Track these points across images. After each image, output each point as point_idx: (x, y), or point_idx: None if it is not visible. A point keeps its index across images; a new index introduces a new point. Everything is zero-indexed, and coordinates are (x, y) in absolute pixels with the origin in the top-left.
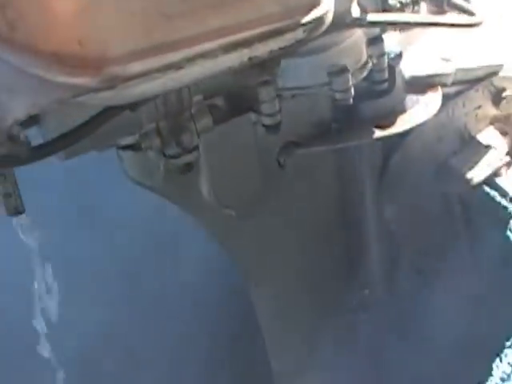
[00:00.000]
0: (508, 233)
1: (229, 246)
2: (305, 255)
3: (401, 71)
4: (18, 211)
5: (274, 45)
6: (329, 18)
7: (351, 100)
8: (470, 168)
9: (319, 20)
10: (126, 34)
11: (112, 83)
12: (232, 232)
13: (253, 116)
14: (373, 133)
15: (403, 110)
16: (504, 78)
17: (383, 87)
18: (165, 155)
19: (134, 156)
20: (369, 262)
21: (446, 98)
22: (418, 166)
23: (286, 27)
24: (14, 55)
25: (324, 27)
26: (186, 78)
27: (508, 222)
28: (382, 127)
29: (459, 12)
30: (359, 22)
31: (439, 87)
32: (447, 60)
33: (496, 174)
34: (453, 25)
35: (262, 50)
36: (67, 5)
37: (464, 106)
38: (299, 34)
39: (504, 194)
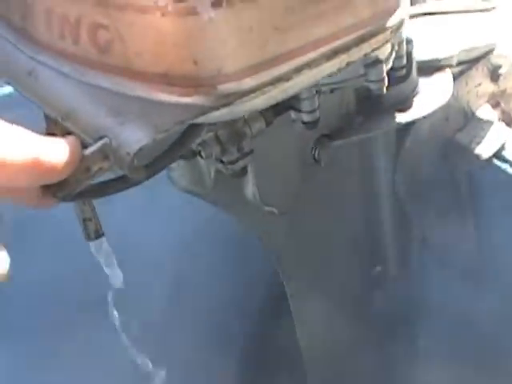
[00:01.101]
0: None
1: (269, 243)
2: (332, 241)
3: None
4: (98, 235)
5: (367, 48)
6: (407, 18)
7: (385, 89)
8: (478, 143)
9: (402, 21)
10: (241, 49)
11: (227, 100)
12: (272, 228)
13: (292, 114)
14: (398, 118)
15: (419, 94)
16: (499, 55)
17: (402, 73)
18: (222, 161)
19: (184, 165)
20: (383, 239)
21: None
22: (428, 146)
23: (378, 30)
24: (110, 80)
25: (402, 27)
26: (294, 89)
27: None
28: (403, 113)
29: None
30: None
31: (447, 69)
32: (450, 41)
33: (503, 147)
34: (468, 11)
35: (357, 54)
36: (183, 25)
37: (467, 84)
38: (387, 35)
39: None
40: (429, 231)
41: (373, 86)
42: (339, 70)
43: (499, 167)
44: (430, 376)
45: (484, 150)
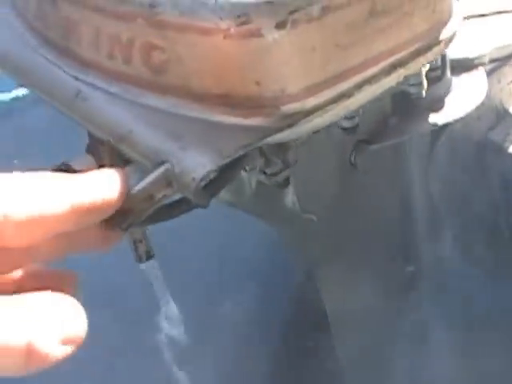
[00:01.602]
0: None
1: (305, 250)
2: (366, 245)
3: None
4: (149, 256)
5: (424, 61)
6: (459, 28)
7: (424, 93)
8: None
9: (455, 33)
10: (304, 69)
11: (291, 120)
12: (309, 234)
13: None
14: (433, 119)
15: (454, 94)
16: None
17: (437, 74)
18: (264, 173)
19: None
20: (416, 240)
21: None
22: (461, 146)
23: (433, 42)
24: (166, 101)
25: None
26: (354, 105)
27: None
28: (439, 114)
29: None
30: None
31: (480, 67)
32: (480, 40)
33: None
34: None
35: (414, 67)
36: (246, 47)
37: (499, 82)
38: (442, 47)
39: None
40: (461, 232)
41: (412, 90)
42: (397, 84)
43: None
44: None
45: None
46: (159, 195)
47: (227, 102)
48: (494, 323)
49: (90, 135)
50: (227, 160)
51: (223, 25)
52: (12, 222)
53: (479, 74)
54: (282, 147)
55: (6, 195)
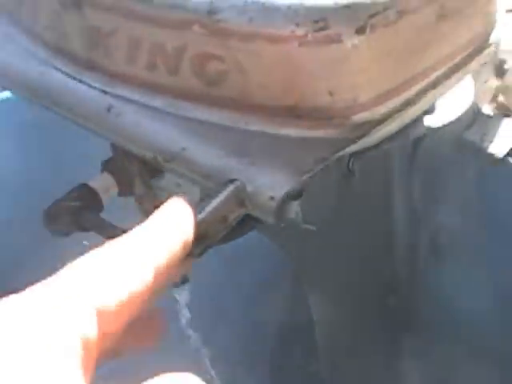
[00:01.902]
0: None
1: (301, 260)
2: (354, 249)
3: None
4: (185, 280)
5: (478, 62)
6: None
7: None
8: (490, 141)
9: (499, 40)
10: (378, 76)
11: (362, 130)
12: (308, 245)
13: None
14: (428, 122)
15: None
16: (503, 51)
17: None
18: None
19: None
20: (395, 240)
21: None
22: (441, 146)
23: (485, 45)
24: (222, 114)
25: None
26: (418, 111)
27: None
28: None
29: None
30: None
31: None
32: None
33: None
34: None
35: (469, 69)
36: (323, 54)
37: (475, 82)
38: (491, 49)
39: None
40: (439, 232)
41: None
42: (452, 87)
43: None
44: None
45: (497, 148)
46: (232, 216)
47: (294, 113)
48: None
49: (116, 151)
50: (307, 176)
51: (300, 31)
52: (106, 313)
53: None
54: None
55: (91, 289)
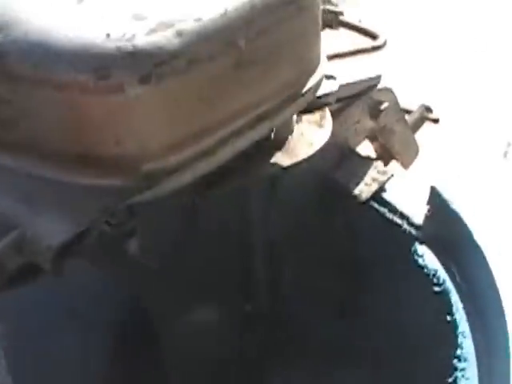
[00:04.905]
0: (415, 257)
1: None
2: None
3: None
4: None
5: (290, 111)
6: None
7: (272, 135)
8: (357, 183)
9: (321, 80)
10: (167, 125)
11: (152, 180)
12: (150, 281)
13: None
14: (284, 161)
15: (299, 133)
16: (380, 90)
17: None
18: (109, 224)
19: None
20: (254, 280)
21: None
22: (303, 185)
23: (299, 93)
24: (14, 159)
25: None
26: (218, 161)
27: (408, 243)
28: (288, 153)
29: (357, 32)
30: None
31: (326, 108)
32: (329, 77)
33: (382, 188)
34: (360, 51)
35: (279, 119)
36: (106, 103)
37: (345, 122)
38: (309, 96)
39: (394, 210)
40: (303, 274)
41: None
42: (261, 136)
43: (377, 210)
44: None
45: (362, 190)
46: (11, 264)
47: (83, 161)
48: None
49: None
50: (84, 227)
51: (81, 79)
52: None
53: (324, 113)
54: None
55: None
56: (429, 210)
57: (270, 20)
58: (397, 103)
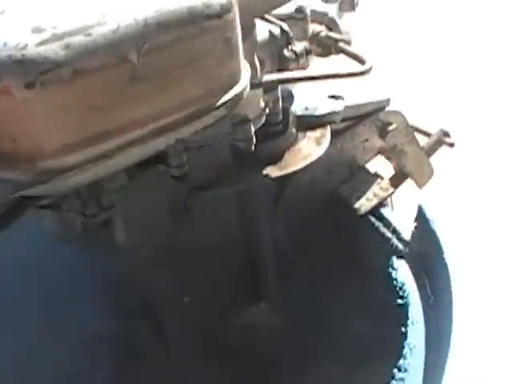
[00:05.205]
0: (390, 270)
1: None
2: (210, 281)
3: (292, 111)
4: None
5: (198, 125)
6: (247, 92)
7: (253, 147)
8: (359, 197)
9: (239, 97)
10: (59, 128)
11: (46, 177)
12: (146, 271)
13: (161, 167)
14: (273, 172)
15: (295, 148)
16: (389, 112)
17: (278, 129)
18: (84, 215)
19: (52, 214)
20: (265, 278)
21: (335, 134)
22: (309, 196)
23: (209, 107)
24: None
25: (243, 99)
26: (118, 166)
27: (390, 254)
28: (280, 166)
29: (349, 57)
30: (253, 83)
31: (329, 125)
32: (337, 97)
33: (382, 203)
34: (343, 75)
35: (187, 131)
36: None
37: (352, 140)
38: (222, 111)
39: (388, 224)
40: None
41: (241, 145)
42: (167, 146)
43: (373, 224)
44: None
45: (362, 204)
46: None
47: None
48: None
49: None
50: None
51: None
52: None
53: (324, 130)
54: (95, 191)
55: None
56: (415, 227)
57: (167, 38)
58: (407, 126)
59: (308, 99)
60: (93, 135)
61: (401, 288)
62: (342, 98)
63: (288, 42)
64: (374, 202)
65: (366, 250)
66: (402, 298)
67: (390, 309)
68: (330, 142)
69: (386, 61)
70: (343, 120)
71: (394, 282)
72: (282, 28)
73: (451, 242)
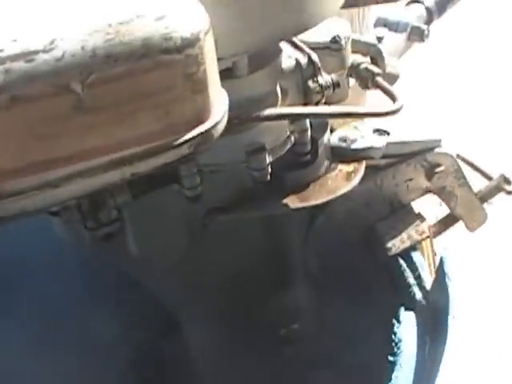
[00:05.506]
0: (394, 320)
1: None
2: (230, 295)
3: (325, 142)
4: None
5: (157, 162)
6: (219, 130)
7: (268, 177)
8: (393, 237)
9: (206, 135)
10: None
11: None
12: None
13: (176, 186)
14: (293, 202)
15: (323, 180)
16: (438, 154)
17: (305, 159)
18: (85, 226)
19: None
20: (297, 300)
21: (375, 169)
22: (344, 226)
23: (169, 144)
24: None
25: (214, 139)
26: (66, 195)
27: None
28: (302, 196)
29: (383, 93)
30: (270, 116)
31: (367, 159)
32: (381, 132)
33: (414, 247)
34: (370, 114)
35: (144, 167)
36: None
37: (394, 178)
38: (184, 150)
39: (414, 269)
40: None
41: (254, 174)
42: (123, 180)
43: (400, 266)
44: None
45: (394, 244)
46: None
47: None
48: None
49: None
50: None
51: None
52: None
53: (359, 165)
54: (93, 207)
55: None
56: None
57: (117, 71)
58: (458, 169)
59: (349, 130)
60: (35, 163)
61: (396, 344)
62: (387, 134)
63: (315, 72)
64: (407, 244)
65: (382, 291)
66: (393, 355)
67: (377, 361)
68: (369, 176)
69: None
70: (385, 156)
71: (393, 335)
72: (309, 57)
73: (461, 302)
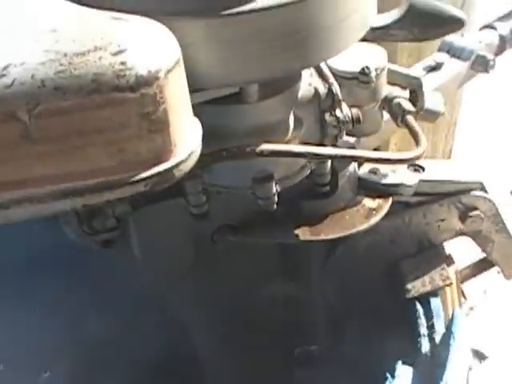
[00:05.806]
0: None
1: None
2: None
3: (350, 173)
4: None
5: (110, 196)
6: (183, 169)
7: (274, 206)
8: (416, 278)
9: (165, 175)
10: None
11: None
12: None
13: (182, 200)
14: (304, 235)
15: (343, 214)
16: (476, 196)
17: (324, 190)
18: (83, 231)
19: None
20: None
21: (403, 205)
22: (366, 258)
23: (123, 181)
24: None
25: (176, 179)
26: (16, 217)
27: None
28: (315, 229)
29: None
30: (264, 153)
31: (396, 196)
32: (416, 169)
33: (435, 292)
34: (381, 160)
35: (97, 199)
36: None
37: (425, 217)
38: (140, 187)
39: (429, 317)
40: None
41: (260, 202)
42: (74, 209)
43: (416, 311)
44: None
45: (414, 286)
46: None
47: None
48: None
49: None
50: None
51: None
52: None
53: (385, 201)
54: (89, 214)
55: None
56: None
57: (65, 104)
58: (497, 213)
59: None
60: None
61: None
62: (423, 169)
63: (333, 105)
64: (427, 288)
65: (388, 334)
66: None
67: None
68: (397, 213)
69: None
70: (417, 194)
71: None
72: (329, 88)
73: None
